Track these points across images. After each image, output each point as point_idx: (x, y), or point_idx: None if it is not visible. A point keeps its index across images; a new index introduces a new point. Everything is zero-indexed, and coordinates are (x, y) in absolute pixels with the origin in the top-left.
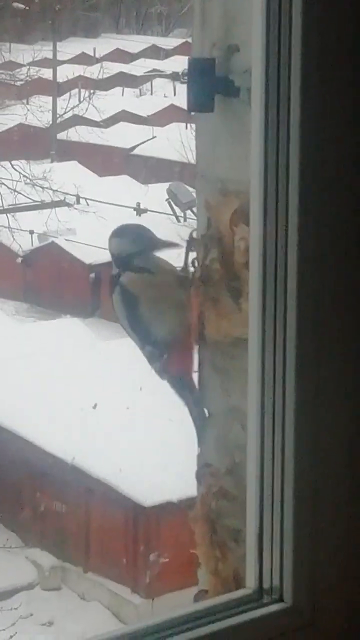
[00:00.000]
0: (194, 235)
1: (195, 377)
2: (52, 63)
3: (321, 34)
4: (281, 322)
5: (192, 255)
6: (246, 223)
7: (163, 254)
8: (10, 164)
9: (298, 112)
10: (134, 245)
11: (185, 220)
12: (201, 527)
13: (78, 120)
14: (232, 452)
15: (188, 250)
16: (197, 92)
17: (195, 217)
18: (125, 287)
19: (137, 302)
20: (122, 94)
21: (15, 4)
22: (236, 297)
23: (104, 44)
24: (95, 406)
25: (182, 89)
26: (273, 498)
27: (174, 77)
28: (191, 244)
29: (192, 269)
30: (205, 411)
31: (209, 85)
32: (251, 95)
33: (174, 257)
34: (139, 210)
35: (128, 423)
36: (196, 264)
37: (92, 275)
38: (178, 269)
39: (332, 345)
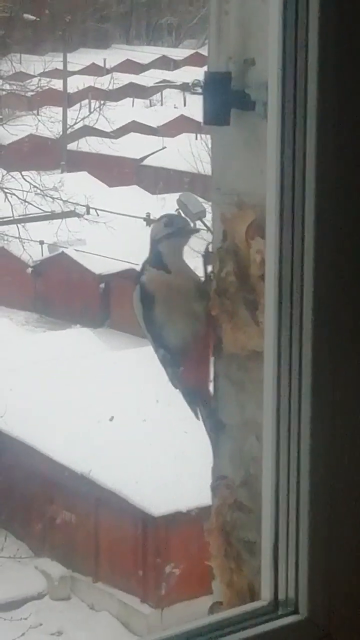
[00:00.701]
0: (210, 248)
1: (210, 388)
2: (63, 74)
3: (338, 47)
4: (297, 334)
5: (210, 268)
6: (262, 236)
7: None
8: (21, 174)
9: (314, 126)
10: (166, 228)
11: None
12: (216, 539)
13: (88, 130)
14: (247, 464)
15: (205, 263)
16: (213, 105)
17: (205, 228)
18: (144, 285)
19: (153, 302)
20: (132, 105)
21: (25, 15)
22: (252, 309)
23: (114, 55)
24: (112, 419)
25: (192, 99)
26: (288, 510)
27: (184, 87)
28: (208, 256)
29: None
30: (222, 422)
31: (225, 99)
32: (267, 109)
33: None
34: (149, 221)
35: (144, 435)
36: (212, 277)
37: (102, 285)
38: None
39: (349, 358)
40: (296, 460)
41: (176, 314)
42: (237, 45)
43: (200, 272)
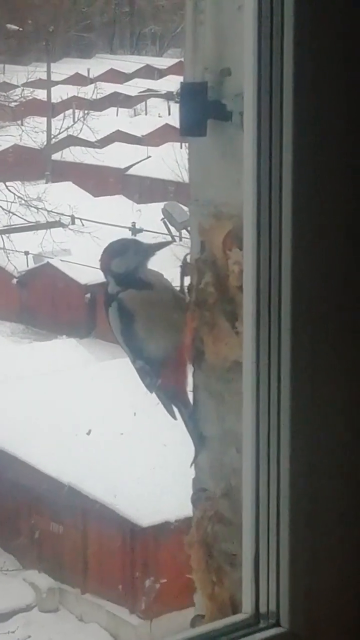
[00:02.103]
0: (188, 259)
1: (190, 396)
2: (47, 84)
3: (313, 57)
4: (275, 345)
5: (187, 279)
6: (240, 247)
7: (159, 264)
8: (5, 185)
9: (290, 136)
10: (137, 257)
11: (181, 239)
12: (197, 551)
13: (72, 140)
14: (227, 476)
15: (183, 274)
16: (190, 116)
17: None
18: (123, 302)
19: (133, 319)
20: (117, 114)
21: (9, 25)
22: (232, 320)
23: (98, 65)
24: (89, 432)
25: (177, 108)
26: (269, 522)
27: (169, 96)
28: (185, 267)
29: (187, 294)
30: (202, 434)
31: (201, 109)
32: (243, 119)
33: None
34: (135, 230)
35: (123, 448)
36: (190, 289)
37: (88, 295)
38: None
39: (327, 369)
40: (276, 472)
41: (157, 328)
42: (213, 56)
43: (176, 283)
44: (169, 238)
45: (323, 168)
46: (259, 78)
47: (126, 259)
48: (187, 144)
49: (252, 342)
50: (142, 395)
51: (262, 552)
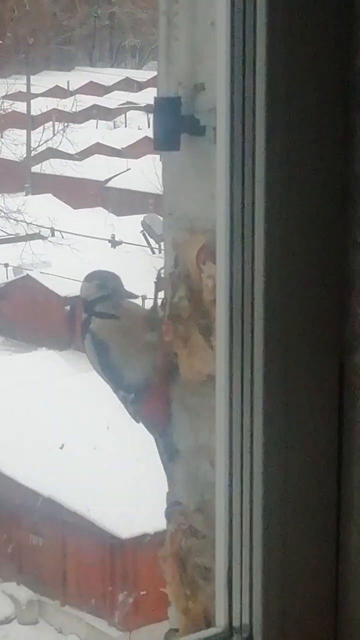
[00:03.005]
0: (162, 273)
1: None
2: (26, 96)
3: (285, 72)
4: (248, 359)
5: (161, 294)
6: (213, 261)
7: (136, 276)
8: None
9: (263, 151)
10: (99, 291)
11: (160, 251)
12: (171, 565)
13: (52, 153)
14: (201, 490)
15: (157, 289)
16: (163, 130)
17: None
18: (95, 334)
19: (107, 349)
20: (96, 127)
21: None
22: (207, 334)
23: (77, 77)
24: (62, 447)
25: None
26: (242, 536)
27: (148, 109)
28: (160, 283)
29: (160, 311)
30: (175, 448)
31: (175, 124)
32: (217, 134)
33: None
34: (114, 242)
35: (95, 462)
36: (165, 303)
37: (68, 307)
38: (147, 309)
39: (300, 383)
40: (249, 486)
41: (133, 355)
42: (186, 71)
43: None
44: (135, 294)
45: (295, 182)
46: (231, 93)
47: (90, 287)
48: None
49: (225, 355)
50: (116, 410)
51: (235, 566)
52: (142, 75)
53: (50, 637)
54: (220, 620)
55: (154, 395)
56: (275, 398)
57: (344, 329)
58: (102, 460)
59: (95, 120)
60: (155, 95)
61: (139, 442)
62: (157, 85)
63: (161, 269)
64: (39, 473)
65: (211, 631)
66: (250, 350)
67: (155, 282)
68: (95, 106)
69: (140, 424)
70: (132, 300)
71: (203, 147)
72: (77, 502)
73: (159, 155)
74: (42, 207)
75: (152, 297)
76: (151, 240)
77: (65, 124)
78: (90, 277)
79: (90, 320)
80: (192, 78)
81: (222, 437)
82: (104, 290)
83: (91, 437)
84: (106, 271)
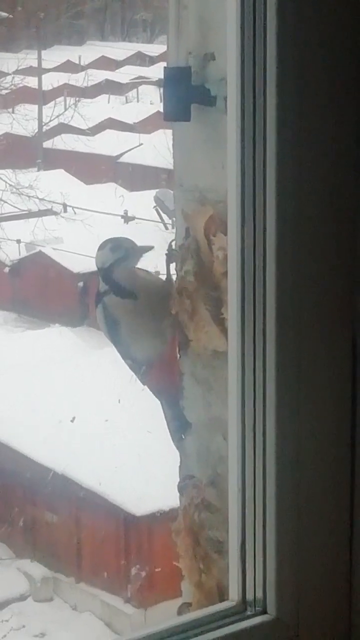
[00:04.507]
0: (173, 245)
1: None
2: (37, 71)
3: (296, 41)
4: (260, 331)
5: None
6: (224, 232)
7: (145, 261)
8: None
9: (274, 120)
10: (114, 254)
11: (173, 227)
12: (184, 539)
13: (64, 128)
14: (214, 463)
15: (168, 261)
16: (173, 101)
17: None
18: (108, 308)
19: (117, 324)
20: (108, 102)
21: None
22: (217, 307)
23: (89, 52)
24: (73, 419)
25: None
26: (255, 509)
27: (160, 83)
28: (171, 255)
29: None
30: (188, 421)
31: (185, 94)
32: (227, 104)
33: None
34: (127, 218)
35: (107, 435)
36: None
37: (81, 283)
38: (163, 281)
39: (313, 355)
40: (262, 459)
41: (141, 337)
42: (196, 40)
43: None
44: (150, 245)
45: (307, 152)
46: (242, 62)
47: (104, 254)
48: None
49: (237, 328)
50: (126, 383)
51: (248, 540)
52: (154, 49)
53: (65, 614)
54: (234, 594)
55: (163, 369)
56: (287, 371)
57: (357, 303)
58: (114, 433)
59: (107, 95)
60: (165, 65)
61: (151, 415)
62: (167, 55)
63: (172, 241)
64: (50, 447)
65: (224, 605)
66: (263, 322)
67: (166, 255)
68: (106, 81)
69: (151, 397)
70: (146, 252)
71: (214, 118)
72: (89, 476)
73: (171, 130)
74: (54, 183)
75: (165, 271)
76: (164, 216)
77: (77, 99)
78: (103, 245)
79: (106, 295)
80: (202, 47)
81: (234, 410)
82: (119, 252)
83: (103, 411)
84: (116, 237)
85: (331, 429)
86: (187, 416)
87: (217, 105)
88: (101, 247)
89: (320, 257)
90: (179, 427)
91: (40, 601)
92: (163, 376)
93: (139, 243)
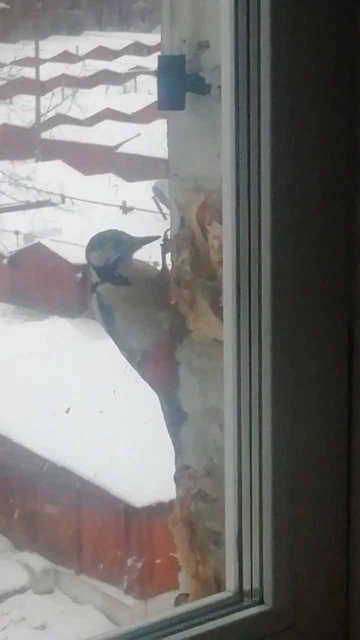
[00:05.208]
0: (169, 235)
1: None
2: (35, 62)
3: (290, 28)
4: (256, 320)
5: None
6: (219, 221)
7: (141, 251)
8: None
9: (269, 109)
10: (117, 251)
11: None
12: (180, 530)
13: (62, 119)
14: (210, 453)
15: (164, 252)
16: (168, 89)
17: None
18: (101, 296)
19: (112, 314)
20: (106, 92)
21: None
22: (214, 297)
23: (86, 42)
24: (68, 410)
25: None
26: (251, 500)
27: None
28: (167, 244)
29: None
30: (184, 411)
31: (179, 82)
32: (221, 92)
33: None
34: (125, 209)
35: (102, 426)
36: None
37: (79, 275)
38: (157, 271)
39: (309, 345)
40: (258, 449)
41: (136, 324)
42: (190, 28)
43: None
44: (154, 234)
45: (302, 140)
46: (236, 50)
47: (105, 252)
48: None
49: (233, 317)
50: (121, 373)
51: (244, 530)
52: (152, 39)
53: (65, 606)
54: (231, 585)
55: (159, 359)
56: (283, 360)
57: (353, 290)
58: (109, 423)
59: (105, 85)
60: (159, 54)
61: (146, 406)
62: (161, 43)
63: (167, 230)
64: (46, 438)
65: (221, 595)
66: (258, 311)
67: (161, 245)
68: (104, 71)
69: (146, 387)
70: (148, 244)
71: (208, 106)
72: (84, 467)
73: None
74: (52, 174)
75: (161, 261)
76: (162, 206)
77: (75, 89)
78: (100, 243)
79: (99, 282)
80: (196, 36)
81: (230, 400)
82: (120, 250)
83: (98, 401)
84: (110, 231)
85: (328, 419)
86: (183, 406)
87: (212, 93)
88: (98, 245)
89: (315, 245)
90: (176, 418)
91: (40, 593)
92: (159, 367)
93: (139, 234)
